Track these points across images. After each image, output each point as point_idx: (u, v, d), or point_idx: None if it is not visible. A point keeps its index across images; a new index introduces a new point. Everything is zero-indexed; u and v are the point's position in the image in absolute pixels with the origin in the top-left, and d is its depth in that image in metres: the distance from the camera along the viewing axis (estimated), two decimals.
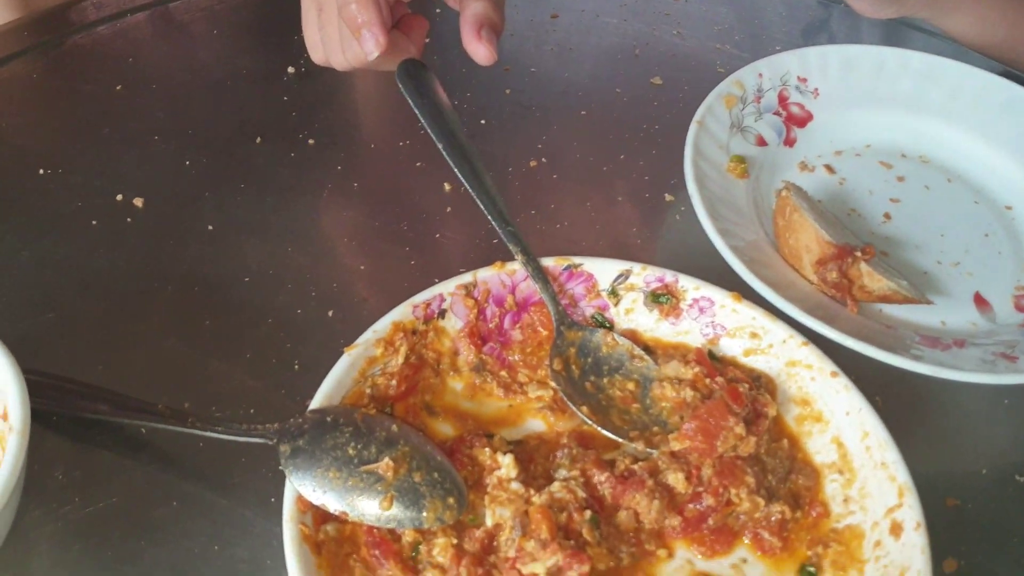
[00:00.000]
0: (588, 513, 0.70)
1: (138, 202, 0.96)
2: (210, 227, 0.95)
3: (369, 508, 0.67)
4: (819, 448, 0.78)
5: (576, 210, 1.00)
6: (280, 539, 0.69)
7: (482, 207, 0.85)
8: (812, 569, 0.72)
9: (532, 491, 0.70)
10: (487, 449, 0.74)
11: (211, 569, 0.71)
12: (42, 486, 0.74)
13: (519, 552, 0.66)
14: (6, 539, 0.67)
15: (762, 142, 1.05)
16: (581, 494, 0.71)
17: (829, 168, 1.06)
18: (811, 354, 0.80)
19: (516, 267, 0.84)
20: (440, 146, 0.88)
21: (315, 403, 0.73)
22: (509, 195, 1.01)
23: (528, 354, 0.84)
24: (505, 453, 0.74)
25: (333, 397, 0.73)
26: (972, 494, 0.81)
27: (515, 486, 0.71)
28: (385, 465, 0.69)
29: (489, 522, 0.69)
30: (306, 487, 0.67)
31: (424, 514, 0.68)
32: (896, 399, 0.84)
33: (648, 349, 0.84)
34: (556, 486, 0.71)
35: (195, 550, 0.72)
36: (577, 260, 0.85)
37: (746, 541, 0.73)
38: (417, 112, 0.90)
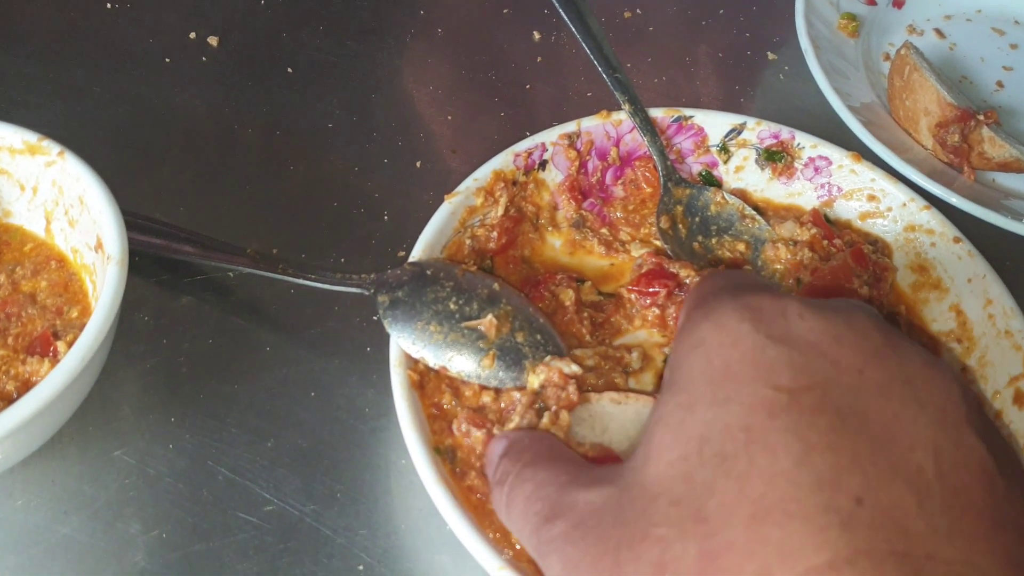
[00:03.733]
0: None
1: (212, 41, 0.91)
2: (289, 70, 0.90)
3: (469, 365, 0.64)
4: (936, 317, 0.75)
5: (674, 65, 0.94)
6: (377, 387, 0.67)
7: (587, 50, 0.79)
8: None
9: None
10: (570, 290, 0.71)
11: (309, 415, 0.68)
12: (128, 328, 0.71)
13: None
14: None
15: (871, 1, 0.98)
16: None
17: (939, 32, 1.00)
18: (933, 219, 0.75)
19: (622, 117, 0.79)
20: None
21: (416, 252, 0.69)
22: None
23: (631, 212, 0.80)
24: (589, 304, 0.72)
25: (434, 247, 0.70)
26: None
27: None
28: (488, 322, 0.65)
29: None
30: (405, 339, 0.64)
31: (525, 374, 0.65)
32: (1016, 271, 0.80)
33: (758, 210, 0.79)
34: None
35: (291, 396, 0.69)
36: (688, 112, 0.79)
37: None
38: None
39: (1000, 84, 0.96)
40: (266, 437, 0.67)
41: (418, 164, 0.84)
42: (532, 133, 0.78)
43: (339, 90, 0.89)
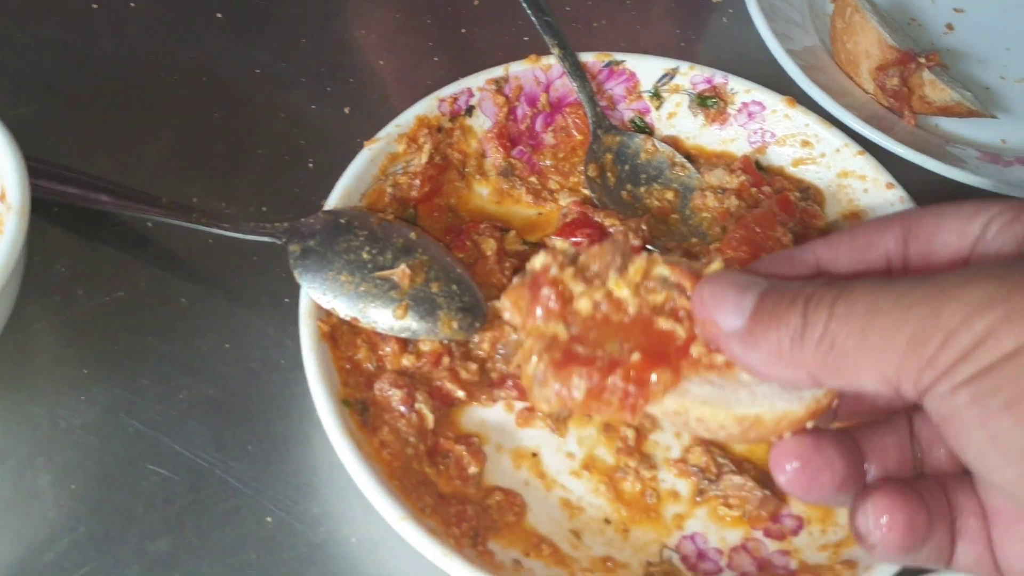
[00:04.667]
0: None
1: None
2: (219, 15, 0.87)
3: (382, 316, 0.63)
4: None
5: (614, 8, 0.92)
6: (294, 339, 0.65)
7: None
8: None
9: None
10: (492, 240, 0.70)
11: (223, 367, 0.67)
12: (44, 279, 0.70)
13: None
14: (6, 329, 0.64)
15: None
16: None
17: None
18: (866, 164, 0.74)
19: (552, 62, 0.77)
20: None
21: (332, 200, 0.67)
22: None
23: (560, 160, 0.78)
24: (512, 253, 0.71)
25: (352, 195, 0.68)
26: None
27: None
28: (401, 272, 0.64)
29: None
30: (316, 290, 0.63)
31: (439, 325, 0.64)
32: None
33: (690, 157, 0.78)
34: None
35: (205, 348, 0.68)
36: (619, 56, 0.78)
37: None
38: None
39: (950, 26, 0.94)
40: (179, 389, 0.66)
41: (347, 110, 0.82)
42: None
43: (269, 35, 0.86)
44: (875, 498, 0.45)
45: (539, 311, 0.49)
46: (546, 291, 0.49)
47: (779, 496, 0.63)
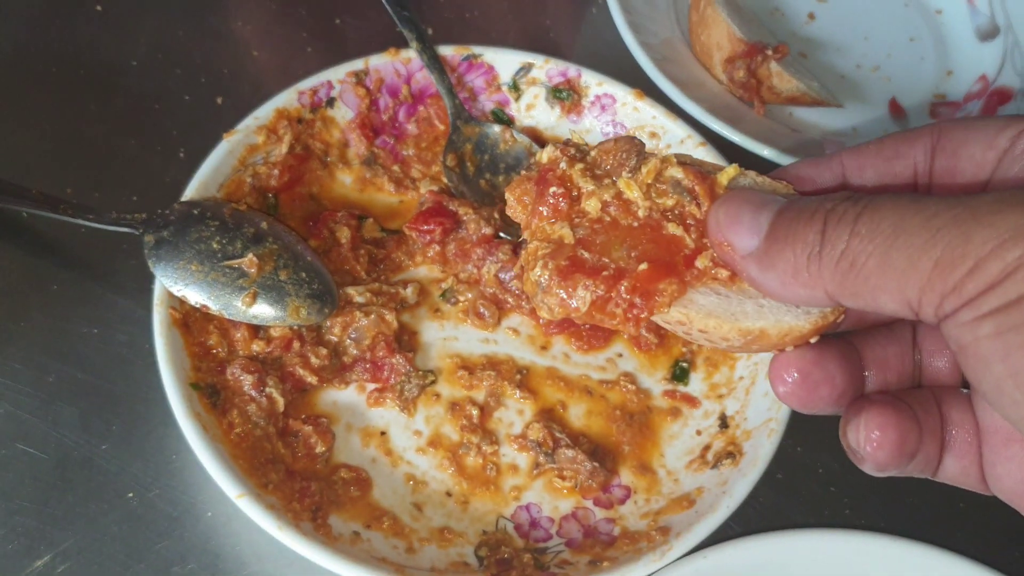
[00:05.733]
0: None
1: None
2: (98, 7, 0.89)
3: (231, 303, 0.67)
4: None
5: None
6: None
7: None
8: (685, 365, 0.73)
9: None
10: (346, 228, 0.74)
11: (91, 351, 0.71)
12: None
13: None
14: None
15: None
16: None
17: None
18: (708, 155, 0.78)
19: (412, 55, 0.80)
20: None
21: (189, 191, 0.71)
22: None
23: (423, 149, 0.82)
24: (371, 240, 0.75)
25: (209, 185, 0.72)
26: None
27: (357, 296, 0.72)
28: (249, 261, 0.68)
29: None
30: (168, 278, 0.66)
31: (287, 312, 0.68)
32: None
33: None
34: None
35: (74, 333, 0.72)
36: (477, 50, 0.81)
37: (624, 337, 0.74)
38: None
39: (812, 16, 0.98)
40: (48, 372, 0.70)
41: (219, 101, 0.85)
42: None
43: (146, 27, 0.89)
44: (868, 414, 0.45)
45: (545, 210, 0.47)
46: (554, 189, 0.47)
47: (608, 469, 0.68)
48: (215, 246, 0.68)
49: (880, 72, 0.94)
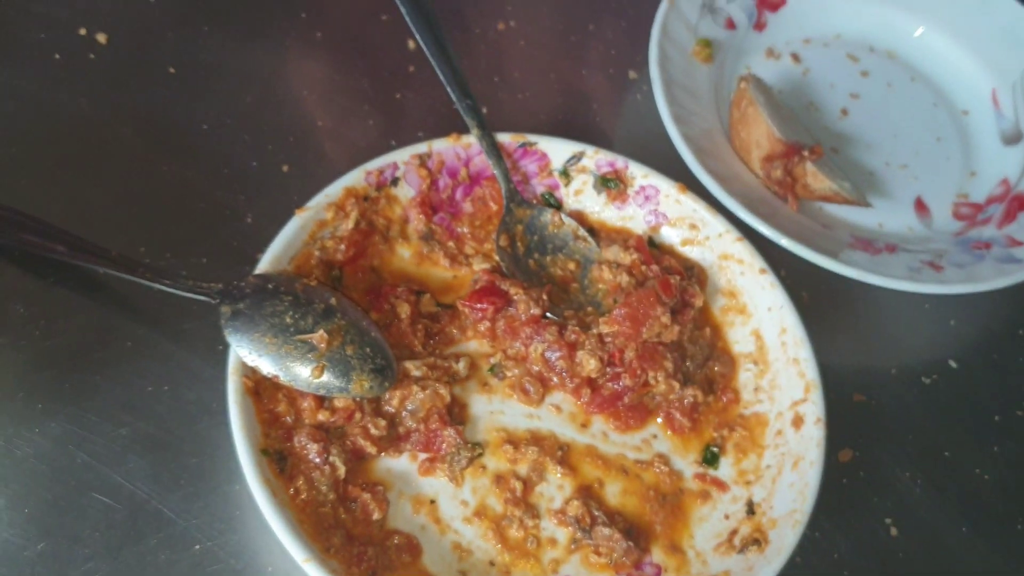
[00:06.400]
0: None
1: (101, 38, 0.95)
2: (172, 69, 0.94)
3: (301, 374, 0.72)
4: (739, 339, 0.84)
5: (539, 81, 1.00)
6: (226, 384, 0.74)
7: (441, 77, 0.86)
8: (716, 449, 0.79)
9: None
10: (407, 304, 0.79)
11: (162, 407, 0.76)
12: (4, 317, 0.78)
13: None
14: None
15: (731, 25, 1.04)
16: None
17: (795, 57, 1.06)
18: (744, 249, 0.83)
19: (471, 140, 0.85)
20: (402, 8, 0.87)
21: (262, 264, 0.76)
22: (473, 59, 1.01)
23: (477, 227, 0.87)
24: (426, 314, 0.80)
25: (281, 259, 0.77)
26: (879, 391, 0.87)
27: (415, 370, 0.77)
28: (319, 336, 0.73)
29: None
30: (243, 348, 0.71)
31: (351, 385, 0.73)
32: (823, 296, 0.89)
33: (593, 231, 0.87)
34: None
35: (147, 389, 0.76)
36: (532, 138, 0.86)
37: (659, 420, 0.80)
38: None
39: (845, 111, 1.03)
40: (121, 425, 0.75)
41: (285, 168, 0.90)
42: (398, 142, 0.84)
43: (217, 91, 0.94)
44: None
45: None
46: None
47: (641, 548, 0.73)
48: (288, 320, 0.73)
49: (908, 170, 0.99)
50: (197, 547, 0.71)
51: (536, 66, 1.02)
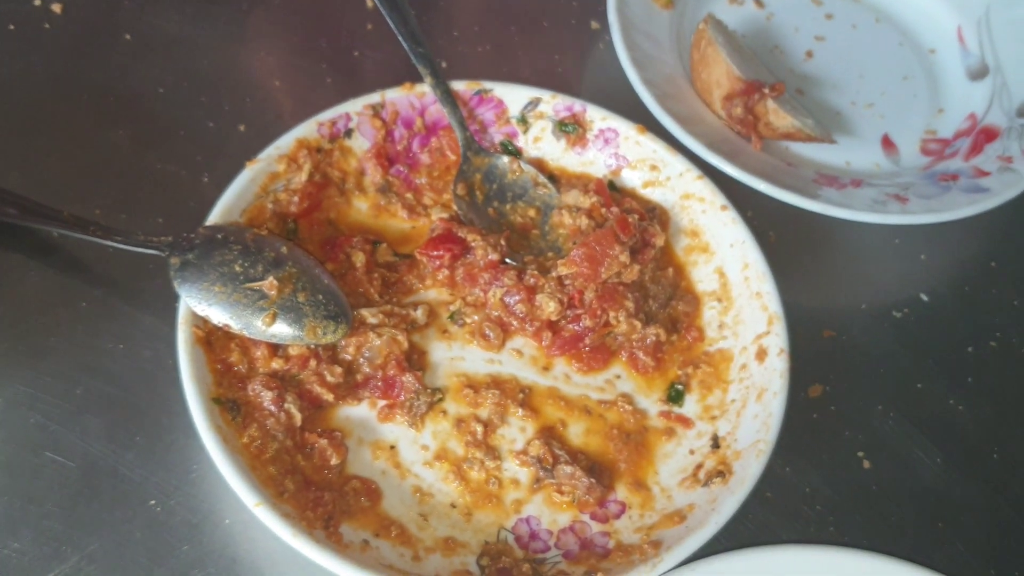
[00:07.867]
0: None
1: (56, 8, 0.95)
2: (128, 36, 0.94)
3: (252, 323, 0.71)
4: (702, 277, 0.82)
5: (500, 34, 1.00)
6: None
7: (392, 26, 0.85)
8: (680, 387, 0.77)
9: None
10: (361, 253, 0.78)
11: (117, 366, 0.75)
12: None
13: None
14: None
15: None
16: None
17: (758, 2, 1.05)
18: (705, 188, 0.82)
19: (426, 89, 0.84)
20: None
21: (212, 217, 0.75)
22: (432, 13, 1.00)
23: (435, 178, 0.86)
24: (383, 264, 0.79)
25: (232, 211, 0.76)
26: (849, 327, 0.86)
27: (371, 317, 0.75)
28: (269, 283, 0.72)
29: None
30: (192, 298, 0.70)
31: (305, 332, 0.72)
32: (790, 235, 0.88)
33: (553, 178, 0.86)
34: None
35: (103, 348, 0.76)
36: (488, 85, 0.85)
37: (623, 359, 0.78)
38: None
39: (810, 54, 1.02)
40: (76, 385, 0.74)
41: (242, 128, 0.89)
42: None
43: (173, 56, 0.93)
44: None
45: None
46: None
47: (605, 485, 0.72)
48: (237, 269, 0.72)
49: (874, 109, 0.98)
50: (152, 502, 0.70)
51: (497, 19, 1.01)
